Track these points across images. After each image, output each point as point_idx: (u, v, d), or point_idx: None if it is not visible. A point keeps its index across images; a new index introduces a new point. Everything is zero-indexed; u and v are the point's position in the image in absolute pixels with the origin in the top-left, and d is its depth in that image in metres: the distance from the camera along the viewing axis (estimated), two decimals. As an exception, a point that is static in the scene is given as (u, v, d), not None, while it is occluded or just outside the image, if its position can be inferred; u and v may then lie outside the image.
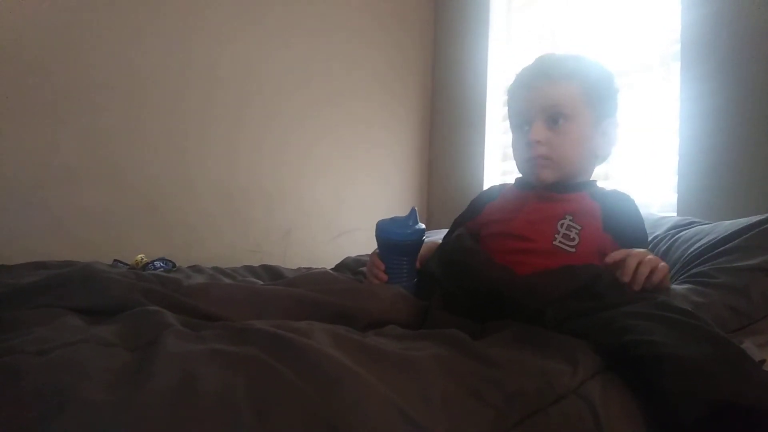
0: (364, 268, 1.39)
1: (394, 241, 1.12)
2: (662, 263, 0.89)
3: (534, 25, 2.27)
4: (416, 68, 2.69)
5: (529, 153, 1.07)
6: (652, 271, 0.87)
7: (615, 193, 1.12)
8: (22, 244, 1.68)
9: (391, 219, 1.14)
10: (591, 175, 1.14)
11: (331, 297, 0.88)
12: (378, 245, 1.16)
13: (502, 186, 1.26)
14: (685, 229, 1.27)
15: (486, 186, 2.31)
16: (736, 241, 1.08)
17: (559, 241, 1.02)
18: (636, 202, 1.11)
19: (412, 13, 2.68)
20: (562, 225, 1.03)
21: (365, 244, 2.15)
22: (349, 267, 1.65)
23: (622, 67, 1.85)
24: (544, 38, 2.18)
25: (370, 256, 1.19)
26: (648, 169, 1.78)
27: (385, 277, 1.13)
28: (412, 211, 1.14)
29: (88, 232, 1.82)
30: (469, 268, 1.01)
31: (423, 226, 1.15)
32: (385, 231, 1.13)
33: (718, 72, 1.55)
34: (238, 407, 0.48)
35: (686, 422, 0.62)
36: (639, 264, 0.86)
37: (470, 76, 2.47)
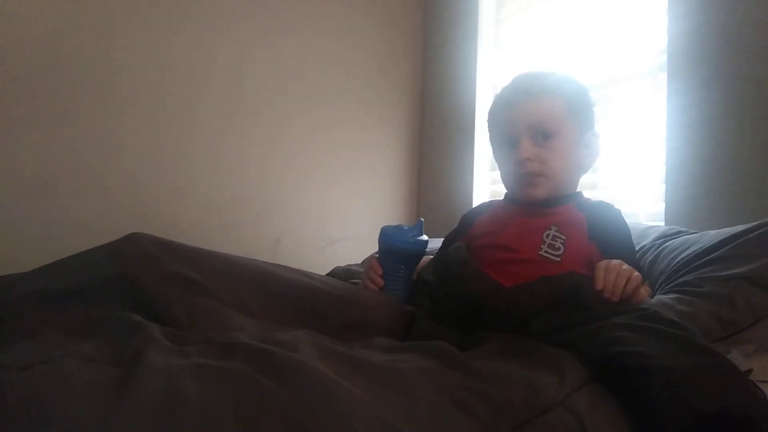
0: (357, 280, 1.40)
1: (395, 247, 1.13)
2: (635, 273, 0.90)
3: (522, 35, 2.28)
4: (406, 78, 2.70)
5: (519, 170, 1.08)
6: (627, 282, 0.88)
7: (601, 204, 1.13)
8: (10, 254, 1.66)
9: (397, 226, 1.16)
10: (576, 187, 1.15)
11: (315, 293, 0.90)
12: (379, 250, 1.16)
13: (492, 202, 1.27)
14: (672, 239, 1.28)
15: (475, 194, 2.33)
16: (722, 250, 1.09)
17: (545, 251, 1.02)
18: (622, 212, 1.12)
19: (401, 23, 2.70)
20: (547, 236, 1.04)
21: (355, 254, 2.15)
22: (339, 276, 1.64)
23: (609, 77, 1.87)
24: (532, 48, 2.20)
25: (369, 258, 1.18)
26: (635, 179, 1.79)
27: (381, 281, 1.13)
28: (419, 222, 1.16)
29: (75, 242, 1.78)
30: (457, 278, 1.01)
31: (426, 238, 1.16)
32: (387, 236, 1.14)
33: (704, 82, 1.57)
34: (223, 421, 0.48)
35: None
36: (616, 275, 0.88)
37: (459, 85, 2.48)
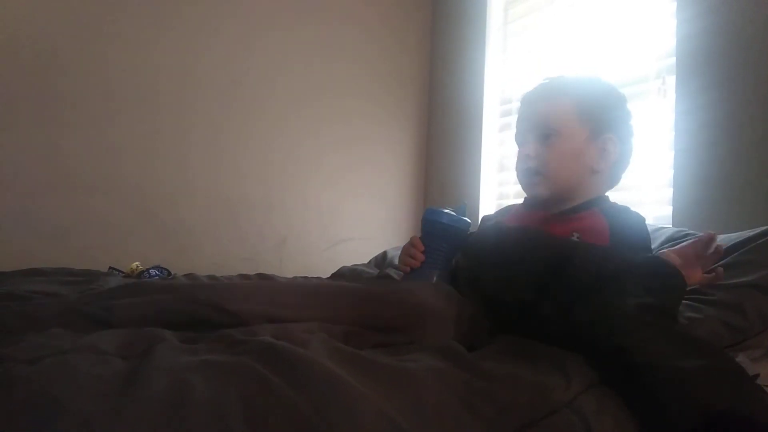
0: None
1: (440, 223, 1.14)
2: None
3: (530, 37, 2.27)
4: (413, 79, 2.70)
5: (521, 166, 1.12)
6: None
7: (625, 212, 1.10)
8: (19, 250, 1.68)
9: (441, 207, 1.18)
10: (597, 191, 1.12)
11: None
12: (422, 228, 1.18)
13: (512, 206, 1.29)
14: (680, 242, 1.27)
15: (482, 197, 2.32)
16: (731, 257, 1.09)
17: None
18: (645, 220, 1.10)
19: (409, 27, 2.70)
20: None
21: (361, 254, 2.15)
22: (345, 276, 1.65)
23: (617, 80, 1.85)
24: (540, 51, 2.19)
25: (411, 239, 1.18)
26: (643, 182, 1.78)
27: (422, 257, 1.13)
28: (462, 205, 1.18)
29: (83, 239, 1.82)
30: (529, 239, 1.04)
31: (469, 221, 1.17)
32: (433, 213, 1.16)
33: (712, 85, 1.56)
34: (229, 417, 0.48)
35: (680, 430, 0.62)
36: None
37: (467, 88, 2.48)
